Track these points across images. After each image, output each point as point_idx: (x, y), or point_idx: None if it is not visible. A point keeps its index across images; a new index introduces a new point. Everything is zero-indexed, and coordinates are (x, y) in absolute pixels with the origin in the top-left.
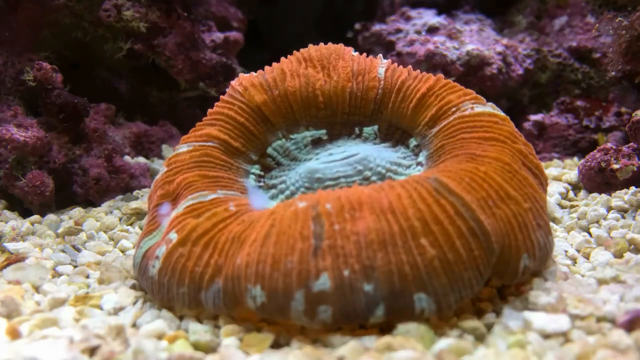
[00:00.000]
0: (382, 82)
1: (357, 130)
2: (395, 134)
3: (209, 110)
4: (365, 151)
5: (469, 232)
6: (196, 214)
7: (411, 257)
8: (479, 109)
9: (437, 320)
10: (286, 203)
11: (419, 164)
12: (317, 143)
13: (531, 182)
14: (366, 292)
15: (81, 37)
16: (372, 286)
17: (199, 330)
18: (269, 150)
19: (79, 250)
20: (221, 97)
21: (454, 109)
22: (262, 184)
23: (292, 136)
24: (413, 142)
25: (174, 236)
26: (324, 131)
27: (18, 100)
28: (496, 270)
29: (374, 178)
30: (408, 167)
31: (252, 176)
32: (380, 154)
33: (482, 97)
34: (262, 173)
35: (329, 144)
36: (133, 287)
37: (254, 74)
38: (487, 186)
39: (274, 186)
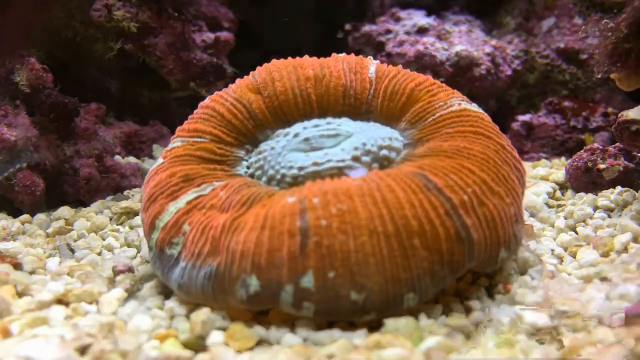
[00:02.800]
0: (373, 81)
1: None
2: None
3: (201, 103)
4: (355, 130)
5: (456, 237)
6: (201, 207)
7: (405, 261)
8: (465, 105)
9: (426, 317)
10: (278, 195)
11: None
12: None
13: (512, 177)
14: (353, 300)
15: (72, 36)
16: (362, 297)
17: (189, 329)
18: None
19: (72, 250)
20: (215, 93)
21: (441, 103)
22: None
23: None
24: (402, 125)
25: (186, 227)
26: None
27: (8, 100)
28: (478, 266)
29: (363, 157)
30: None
31: (244, 162)
32: (368, 133)
33: (468, 99)
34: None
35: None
36: (123, 285)
37: (247, 76)
38: (472, 182)
39: (260, 167)
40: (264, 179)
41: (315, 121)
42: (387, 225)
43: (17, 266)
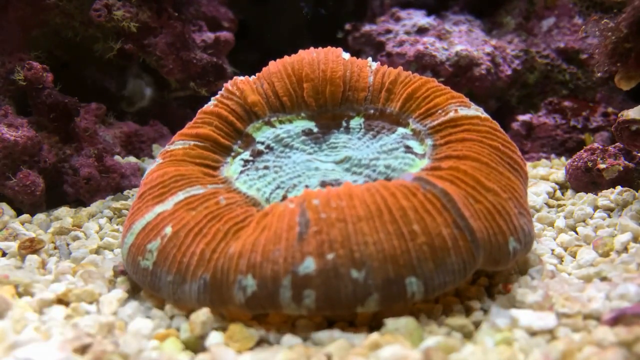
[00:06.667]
0: (371, 87)
1: (344, 123)
2: (378, 126)
3: (202, 108)
4: (352, 152)
5: (454, 225)
6: (190, 208)
7: (403, 243)
8: (463, 111)
9: (426, 317)
10: (279, 204)
11: (408, 148)
12: (308, 135)
13: (508, 176)
14: (354, 279)
15: (72, 36)
16: (362, 274)
17: (189, 330)
18: (258, 138)
19: (70, 251)
20: (214, 97)
21: (440, 110)
22: (249, 167)
23: (280, 126)
24: (401, 130)
25: (169, 230)
26: (312, 123)
27: (8, 100)
28: (490, 259)
29: (364, 171)
30: (394, 149)
31: (240, 161)
32: (364, 151)
33: (468, 100)
34: (251, 158)
35: (322, 139)
36: (123, 285)
37: (248, 77)
38: (465, 185)
39: (266, 167)
40: (281, 190)
41: (317, 145)
42: (383, 216)
43: (17, 266)
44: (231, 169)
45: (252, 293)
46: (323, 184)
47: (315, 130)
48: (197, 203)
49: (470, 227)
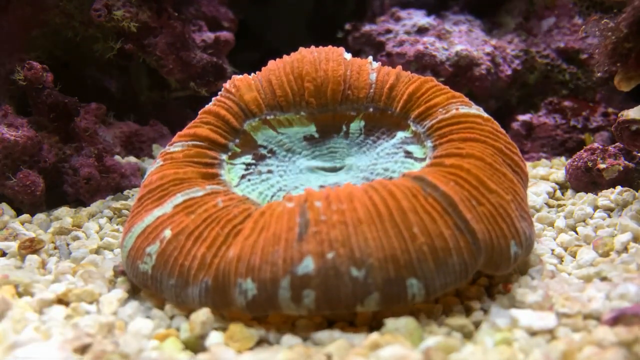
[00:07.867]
0: (373, 86)
1: (344, 127)
2: (378, 131)
3: (203, 108)
4: (352, 159)
5: (455, 227)
6: (189, 211)
7: (403, 243)
8: (464, 109)
9: (426, 317)
10: (277, 202)
11: (408, 153)
12: (310, 140)
13: (511, 178)
14: (354, 277)
15: (72, 36)
16: (362, 273)
17: (189, 330)
18: (260, 141)
19: (70, 251)
20: (214, 98)
21: (441, 109)
22: (251, 171)
23: (282, 130)
24: (401, 135)
25: (168, 233)
26: (313, 127)
27: (8, 100)
28: (491, 262)
29: (362, 174)
30: (394, 154)
31: (242, 165)
32: (364, 158)
33: (469, 100)
34: (254, 161)
35: (322, 143)
36: (123, 286)
37: (247, 75)
38: (468, 185)
39: (270, 171)
40: (280, 192)
41: (318, 149)
42: (383, 217)
43: (17, 266)
44: (232, 171)
45: (252, 297)
46: (323, 187)
47: (317, 136)
48: (196, 206)
49: (471, 229)
